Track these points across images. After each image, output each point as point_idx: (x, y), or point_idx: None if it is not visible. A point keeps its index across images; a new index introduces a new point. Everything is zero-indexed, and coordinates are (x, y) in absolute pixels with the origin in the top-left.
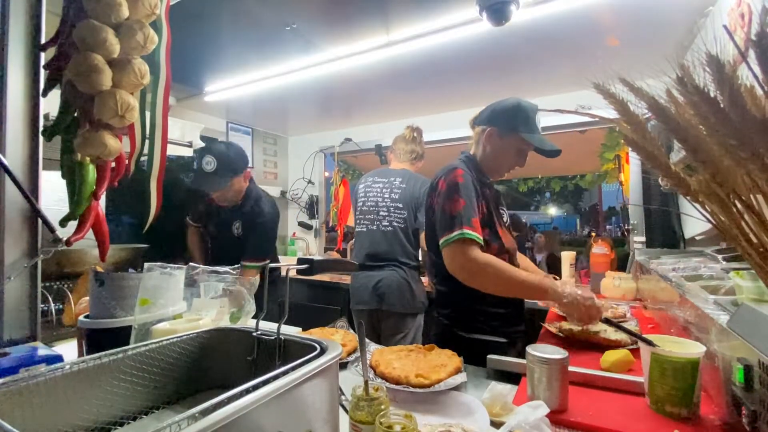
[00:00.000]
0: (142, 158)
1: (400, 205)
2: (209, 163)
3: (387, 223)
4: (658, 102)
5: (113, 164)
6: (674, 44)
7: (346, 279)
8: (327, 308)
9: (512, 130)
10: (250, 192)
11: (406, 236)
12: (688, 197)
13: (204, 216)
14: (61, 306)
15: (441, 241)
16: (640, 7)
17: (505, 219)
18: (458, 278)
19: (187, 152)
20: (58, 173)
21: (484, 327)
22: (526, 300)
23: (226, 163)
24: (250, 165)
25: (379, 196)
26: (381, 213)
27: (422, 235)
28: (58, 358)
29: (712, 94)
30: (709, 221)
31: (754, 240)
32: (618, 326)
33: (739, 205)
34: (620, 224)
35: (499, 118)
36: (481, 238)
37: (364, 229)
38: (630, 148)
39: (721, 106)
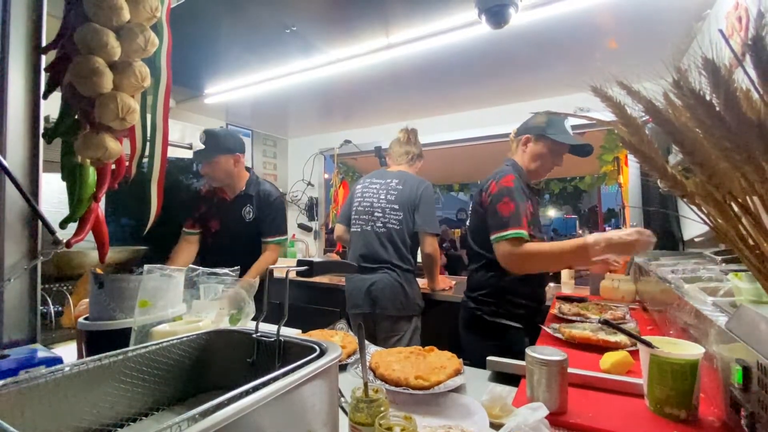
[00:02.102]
0: (143, 160)
1: (396, 207)
2: (201, 138)
3: (381, 225)
4: (655, 105)
5: (113, 166)
6: (672, 47)
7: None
8: (326, 310)
9: (542, 133)
10: (252, 179)
11: (401, 238)
12: (685, 199)
13: (206, 215)
14: (60, 308)
15: (493, 237)
16: (638, 10)
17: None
18: (510, 269)
19: (187, 154)
20: (59, 175)
21: (504, 312)
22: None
23: (214, 139)
24: (242, 153)
25: (374, 197)
26: (376, 214)
27: (428, 239)
28: (58, 360)
29: (707, 98)
30: (706, 223)
31: (751, 242)
32: (617, 328)
33: (735, 208)
34: (619, 226)
35: (532, 126)
36: (526, 234)
37: (359, 230)
38: (627, 151)
39: (717, 109)
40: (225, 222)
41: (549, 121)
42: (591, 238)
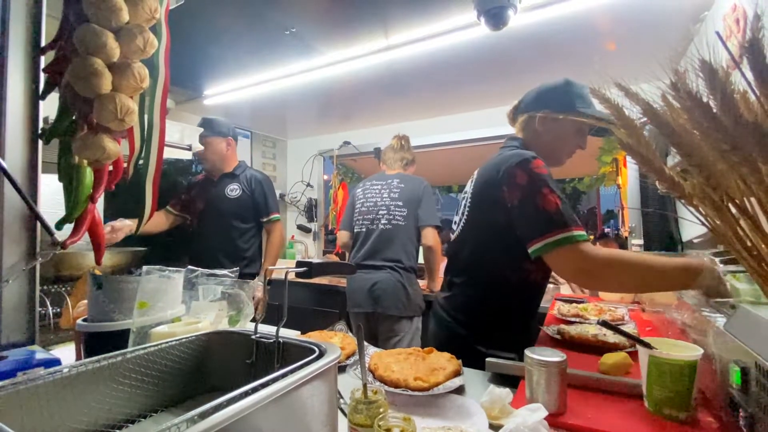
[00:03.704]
0: (141, 161)
1: (400, 203)
2: (200, 121)
3: (386, 221)
4: (653, 107)
5: (111, 167)
6: (670, 49)
7: (344, 282)
8: (326, 311)
9: (568, 107)
10: (242, 164)
11: (407, 234)
12: (683, 200)
13: (193, 197)
14: (58, 309)
15: (539, 245)
16: (636, 12)
17: None
18: (576, 283)
19: (186, 155)
20: (57, 176)
21: (503, 344)
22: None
23: (209, 123)
24: (234, 138)
25: (377, 196)
26: (380, 212)
27: (430, 232)
28: (56, 362)
29: (705, 100)
30: (704, 224)
31: (749, 244)
32: (616, 329)
33: (733, 209)
34: (618, 228)
35: (549, 98)
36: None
37: (364, 230)
38: (625, 152)
39: (714, 111)
40: (209, 201)
41: (572, 88)
42: (708, 262)
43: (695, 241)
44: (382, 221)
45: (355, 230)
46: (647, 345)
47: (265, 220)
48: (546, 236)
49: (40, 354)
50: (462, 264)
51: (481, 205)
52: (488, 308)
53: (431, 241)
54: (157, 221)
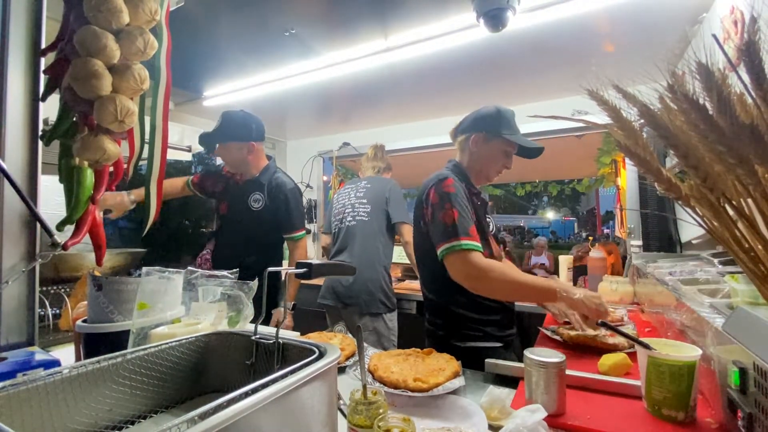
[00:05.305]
0: (141, 162)
1: (364, 201)
2: (218, 120)
3: (351, 218)
4: (650, 108)
5: (111, 169)
6: (667, 51)
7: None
8: (325, 312)
9: (496, 132)
10: (269, 167)
11: (371, 229)
12: (680, 202)
13: (218, 194)
14: (58, 311)
15: (439, 251)
16: (634, 14)
17: (491, 228)
18: (464, 286)
19: (186, 156)
20: (57, 177)
21: (478, 334)
22: (518, 304)
23: (229, 123)
24: (258, 141)
25: (346, 198)
26: (347, 211)
27: (406, 229)
28: (55, 363)
29: (701, 102)
30: (701, 225)
31: (746, 245)
32: (615, 330)
33: (730, 210)
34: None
35: (482, 123)
36: (479, 245)
37: (336, 230)
38: (623, 154)
39: (710, 113)
40: (232, 207)
41: (501, 116)
42: (559, 286)
43: (694, 242)
44: (348, 218)
45: (332, 231)
46: (646, 346)
47: (287, 236)
48: (442, 244)
49: (40, 355)
50: (421, 272)
51: (417, 222)
52: (449, 308)
53: (407, 237)
54: (171, 188)
